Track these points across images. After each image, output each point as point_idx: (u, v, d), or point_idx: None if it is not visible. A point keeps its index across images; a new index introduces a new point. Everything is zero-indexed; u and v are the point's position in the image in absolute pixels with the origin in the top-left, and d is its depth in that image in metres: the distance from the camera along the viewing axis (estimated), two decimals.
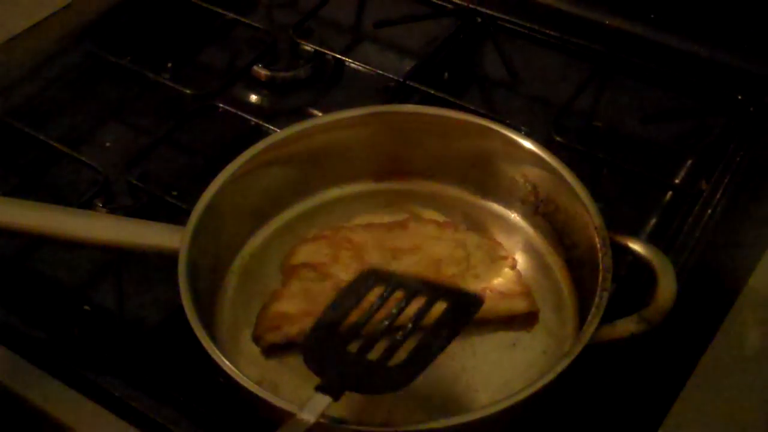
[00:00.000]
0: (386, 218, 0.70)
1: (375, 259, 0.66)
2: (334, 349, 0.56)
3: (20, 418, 0.61)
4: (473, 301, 0.59)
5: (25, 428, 0.62)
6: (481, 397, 0.60)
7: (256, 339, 0.63)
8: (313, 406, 0.52)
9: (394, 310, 0.58)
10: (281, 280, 0.67)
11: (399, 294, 0.59)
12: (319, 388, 0.53)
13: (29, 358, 0.62)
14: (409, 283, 0.60)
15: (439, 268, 0.66)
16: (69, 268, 0.70)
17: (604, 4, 0.89)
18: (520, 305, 0.64)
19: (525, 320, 0.64)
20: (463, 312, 0.58)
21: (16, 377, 0.61)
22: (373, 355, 0.56)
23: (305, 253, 0.67)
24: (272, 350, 0.63)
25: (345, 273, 0.65)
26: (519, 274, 0.66)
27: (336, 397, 0.53)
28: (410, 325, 0.57)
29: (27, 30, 0.86)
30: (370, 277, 0.60)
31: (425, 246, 0.67)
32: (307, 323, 0.61)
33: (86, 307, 0.67)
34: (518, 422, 0.56)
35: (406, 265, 0.66)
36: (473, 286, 0.64)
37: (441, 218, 0.69)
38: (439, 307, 0.58)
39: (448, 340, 0.56)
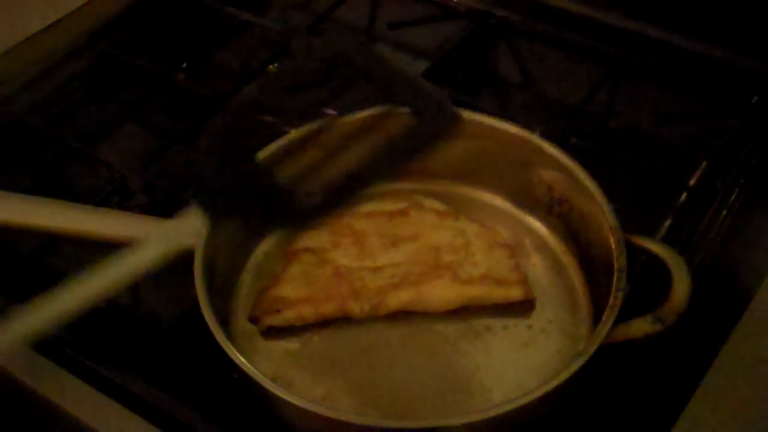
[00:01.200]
0: (389, 207, 0.70)
1: (375, 245, 0.67)
2: (238, 156, 0.45)
3: (37, 414, 0.62)
4: (449, 117, 0.47)
5: (42, 425, 0.63)
6: (495, 395, 0.60)
7: (254, 320, 0.64)
8: (180, 224, 0.43)
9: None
10: (282, 264, 0.67)
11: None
12: (198, 200, 0.43)
13: (46, 354, 0.62)
14: (379, 71, 0.48)
15: (438, 254, 0.66)
16: (85, 265, 0.71)
17: (618, 6, 0.89)
18: (515, 293, 0.65)
19: (521, 308, 0.65)
20: (429, 132, 0.46)
21: (34, 374, 0.61)
22: (290, 181, 0.46)
23: (307, 238, 0.68)
24: (270, 333, 0.64)
25: (345, 258, 0.66)
26: (517, 263, 0.67)
27: (213, 217, 0.42)
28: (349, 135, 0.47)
29: (44, 29, 0.86)
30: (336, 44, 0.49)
31: (425, 233, 0.68)
32: (306, 308, 0.62)
33: (102, 304, 0.67)
34: (532, 421, 0.56)
35: (405, 252, 0.66)
36: (471, 272, 0.65)
37: (442, 207, 0.70)
38: (402, 119, 0.48)
39: (394, 169, 0.45)
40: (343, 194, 0.45)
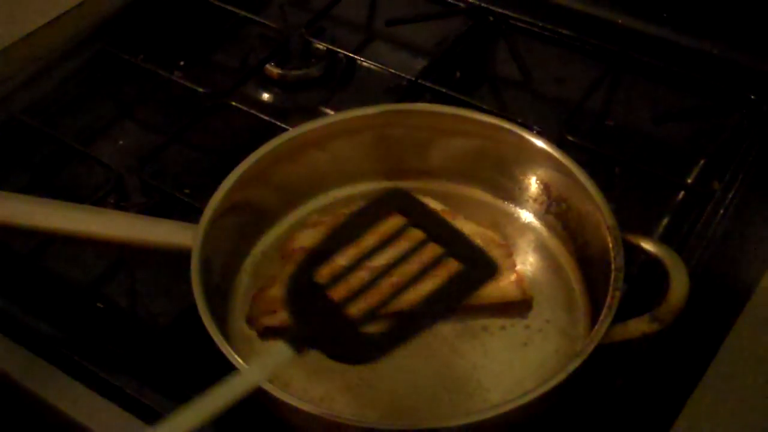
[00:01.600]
0: None
1: (371, 244, 0.66)
2: (311, 294, 0.50)
3: (33, 415, 0.62)
4: (489, 268, 0.54)
5: (38, 425, 0.63)
6: (493, 396, 0.60)
7: (251, 321, 0.64)
8: (275, 354, 0.48)
9: (396, 255, 0.52)
10: (280, 265, 0.67)
11: (413, 234, 0.54)
12: (286, 337, 0.49)
13: (43, 356, 0.62)
14: (431, 224, 0.54)
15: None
16: (82, 265, 0.71)
17: (617, 3, 0.89)
18: (513, 293, 0.64)
19: (519, 308, 0.65)
20: (473, 280, 0.53)
21: (30, 374, 0.61)
22: (354, 310, 0.51)
23: (303, 238, 0.68)
24: (267, 333, 0.63)
25: (342, 259, 0.65)
26: (514, 263, 0.66)
27: (299, 351, 0.48)
28: (407, 280, 0.52)
29: (41, 28, 0.86)
30: (393, 201, 0.55)
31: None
32: None
33: (99, 305, 0.67)
34: (530, 422, 0.56)
35: (402, 251, 0.66)
36: None
37: (439, 206, 0.69)
38: (449, 266, 0.54)
39: (446, 312, 0.52)
40: (402, 333, 0.51)
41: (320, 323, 0.50)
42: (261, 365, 0.49)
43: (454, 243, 0.55)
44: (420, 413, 0.60)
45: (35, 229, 0.64)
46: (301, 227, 0.69)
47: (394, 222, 0.56)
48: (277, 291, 0.64)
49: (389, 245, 0.55)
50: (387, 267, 0.55)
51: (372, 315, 0.51)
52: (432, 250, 0.55)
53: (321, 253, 0.54)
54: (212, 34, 0.92)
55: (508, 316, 0.64)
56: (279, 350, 0.48)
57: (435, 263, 0.54)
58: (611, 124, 0.83)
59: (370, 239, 0.56)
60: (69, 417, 0.59)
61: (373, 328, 0.51)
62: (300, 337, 0.48)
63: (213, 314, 0.57)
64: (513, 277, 0.65)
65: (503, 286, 0.65)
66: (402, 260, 0.54)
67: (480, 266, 0.54)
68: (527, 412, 0.54)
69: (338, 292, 0.53)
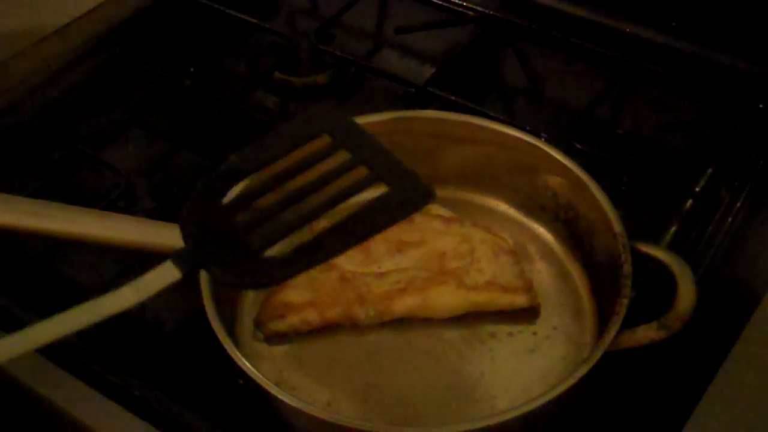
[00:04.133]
0: None
1: (380, 250, 0.67)
2: (213, 215, 0.47)
3: (41, 417, 0.62)
4: (421, 195, 0.49)
5: (46, 428, 0.63)
6: (500, 402, 0.60)
7: (258, 325, 0.64)
8: (159, 275, 0.46)
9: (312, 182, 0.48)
10: None
11: (339, 155, 0.50)
12: (173, 257, 0.46)
13: (51, 359, 0.62)
14: (360, 147, 0.50)
15: (443, 261, 0.66)
16: (91, 269, 0.71)
17: (625, 11, 0.89)
18: (521, 300, 0.65)
19: (526, 315, 0.65)
20: (400, 206, 0.48)
21: (39, 377, 0.62)
22: (257, 235, 0.47)
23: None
24: (275, 338, 0.64)
25: (350, 264, 0.65)
26: (522, 270, 0.66)
27: (185, 272, 0.45)
28: (322, 204, 0.48)
29: (52, 34, 0.87)
30: (323, 121, 0.51)
31: (430, 239, 0.68)
32: (311, 313, 0.61)
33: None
34: (537, 428, 0.56)
35: (411, 258, 0.66)
36: (476, 279, 0.65)
37: (447, 213, 0.70)
38: (373, 190, 0.50)
39: (359, 238, 0.46)
40: (308, 258, 0.47)
41: (215, 245, 0.46)
42: (140, 285, 0.45)
43: (385, 167, 0.50)
44: (427, 419, 0.60)
45: (45, 232, 0.64)
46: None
47: (320, 143, 0.52)
48: (285, 296, 0.64)
49: (310, 168, 0.51)
50: (303, 190, 0.50)
51: (276, 238, 0.46)
52: (357, 172, 0.50)
53: (233, 173, 0.50)
54: (222, 41, 0.92)
55: (515, 322, 0.65)
56: (164, 271, 0.45)
57: (359, 187, 0.50)
58: (619, 132, 0.83)
59: (290, 160, 0.51)
60: (76, 419, 0.59)
61: (275, 253, 0.47)
62: (189, 259, 0.45)
63: (221, 318, 0.57)
64: (521, 283, 0.65)
65: (511, 293, 0.65)
66: (322, 183, 0.49)
67: (411, 192, 0.49)
68: (534, 418, 0.54)
69: (243, 216, 0.49)
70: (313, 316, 0.63)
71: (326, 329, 0.64)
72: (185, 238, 0.46)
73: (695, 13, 0.87)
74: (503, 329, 0.64)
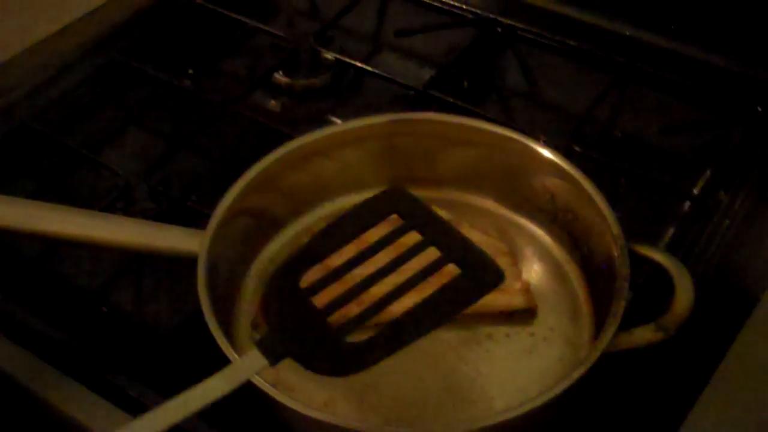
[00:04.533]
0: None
1: (378, 253, 0.66)
2: (294, 300, 0.47)
3: (38, 418, 0.62)
4: (492, 275, 0.50)
5: (42, 429, 0.63)
6: (497, 403, 0.60)
7: (255, 326, 0.64)
8: (247, 364, 0.46)
9: (387, 262, 0.49)
10: None
11: (409, 237, 0.51)
12: (259, 345, 0.46)
13: (48, 359, 0.62)
14: (429, 227, 0.51)
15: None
16: (89, 270, 0.71)
17: (624, 14, 0.90)
18: (518, 301, 0.65)
19: (523, 316, 0.65)
20: (473, 288, 0.49)
21: (35, 378, 0.62)
22: (338, 318, 0.48)
23: None
24: None
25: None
26: (519, 271, 0.67)
27: (273, 362, 0.46)
28: (398, 287, 0.49)
29: (51, 35, 0.87)
30: (390, 200, 0.52)
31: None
32: None
33: (104, 309, 0.68)
34: (534, 429, 0.56)
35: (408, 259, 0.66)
36: None
37: (445, 215, 0.69)
38: (447, 271, 0.50)
39: (437, 323, 0.47)
40: (389, 344, 0.48)
41: (299, 331, 0.47)
42: (228, 376, 0.46)
43: (455, 247, 0.52)
44: (424, 420, 0.60)
45: (43, 234, 0.64)
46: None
47: (391, 224, 0.54)
48: None
49: (383, 249, 0.53)
50: (379, 273, 0.52)
51: (357, 324, 0.48)
52: (430, 254, 0.52)
53: (308, 256, 0.51)
54: (221, 43, 0.93)
55: (512, 323, 0.65)
56: (252, 361, 0.46)
57: (432, 269, 0.51)
58: (618, 134, 0.83)
59: (363, 242, 0.53)
60: (73, 420, 0.59)
61: (357, 338, 0.48)
62: (275, 347, 0.46)
63: (218, 320, 0.57)
64: (518, 285, 0.65)
65: (508, 294, 0.65)
66: (396, 265, 0.51)
67: (482, 273, 0.51)
68: (531, 419, 0.54)
69: (322, 299, 0.50)
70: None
71: None
72: (268, 323, 0.47)
73: (694, 16, 0.87)
74: (500, 330, 0.64)
